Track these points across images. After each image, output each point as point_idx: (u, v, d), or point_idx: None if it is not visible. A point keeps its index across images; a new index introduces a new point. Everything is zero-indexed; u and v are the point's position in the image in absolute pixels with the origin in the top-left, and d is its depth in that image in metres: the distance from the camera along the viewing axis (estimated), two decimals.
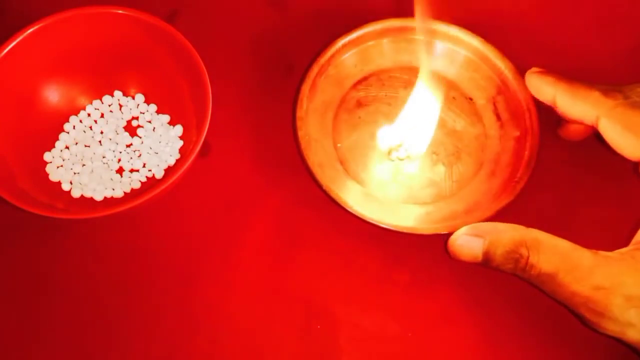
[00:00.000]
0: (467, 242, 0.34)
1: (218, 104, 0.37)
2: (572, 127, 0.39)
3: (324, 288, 0.38)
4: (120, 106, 0.41)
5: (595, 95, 0.34)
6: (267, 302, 0.37)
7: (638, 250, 0.33)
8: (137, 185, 0.39)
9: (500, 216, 0.36)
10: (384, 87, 0.42)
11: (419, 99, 0.38)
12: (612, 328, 0.31)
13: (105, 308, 0.37)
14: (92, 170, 0.39)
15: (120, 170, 0.40)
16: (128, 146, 0.40)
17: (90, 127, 0.41)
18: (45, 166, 0.39)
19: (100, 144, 0.40)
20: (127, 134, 0.40)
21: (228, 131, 0.41)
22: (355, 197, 0.38)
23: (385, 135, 0.39)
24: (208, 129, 0.36)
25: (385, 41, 0.42)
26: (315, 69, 0.40)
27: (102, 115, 0.41)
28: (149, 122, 0.41)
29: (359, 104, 0.41)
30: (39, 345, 0.36)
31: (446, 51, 0.41)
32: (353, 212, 0.36)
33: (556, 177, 0.41)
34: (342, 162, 0.39)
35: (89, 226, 0.39)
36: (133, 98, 0.41)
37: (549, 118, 0.39)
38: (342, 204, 0.36)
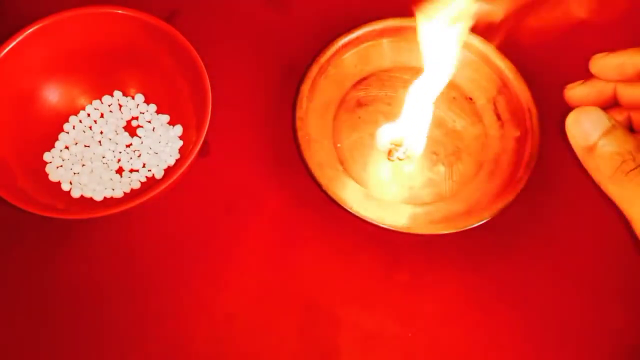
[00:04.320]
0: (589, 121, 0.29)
1: (218, 104, 0.36)
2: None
3: (324, 288, 0.38)
4: (120, 106, 0.41)
5: None
6: (267, 302, 0.37)
7: None
8: (137, 186, 0.39)
9: (500, 216, 0.36)
10: (384, 87, 0.42)
11: (416, 98, 0.37)
12: None
13: (105, 308, 0.37)
14: (92, 171, 0.39)
15: (120, 171, 0.40)
16: (128, 146, 0.40)
17: (90, 127, 0.41)
18: (45, 166, 0.39)
19: (100, 144, 0.40)
20: (126, 134, 0.40)
21: (228, 131, 0.41)
22: (355, 197, 0.38)
23: (385, 135, 0.39)
24: (208, 129, 0.36)
25: (385, 41, 0.42)
26: (315, 69, 0.40)
27: (102, 115, 0.41)
28: (149, 122, 0.41)
29: (359, 104, 0.41)
30: (38, 345, 0.36)
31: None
32: (353, 212, 0.36)
33: (556, 177, 0.41)
34: (342, 162, 0.39)
35: (89, 226, 0.39)
36: (133, 98, 0.41)
37: (549, 118, 0.39)
38: (342, 204, 0.36)
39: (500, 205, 0.37)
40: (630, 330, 0.37)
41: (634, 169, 0.27)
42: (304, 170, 0.37)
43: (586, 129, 0.29)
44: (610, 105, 0.35)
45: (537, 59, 0.43)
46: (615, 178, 0.28)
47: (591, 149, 0.29)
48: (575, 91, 0.35)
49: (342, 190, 0.37)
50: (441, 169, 0.40)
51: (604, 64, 0.34)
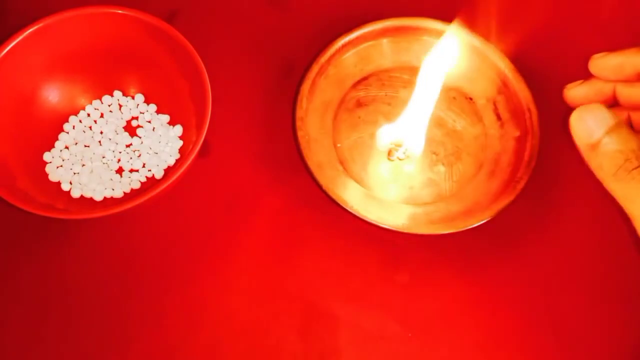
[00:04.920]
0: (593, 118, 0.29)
1: (218, 103, 0.37)
2: None
3: (324, 288, 0.38)
4: (120, 106, 0.41)
5: None
6: (267, 302, 0.37)
7: None
8: (137, 186, 0.39)
9: (500, 216, 0.36)
10: (384, 87, 0.42)
11: (418, 98, 0.37)
12: None
13: (105, 308, 0.37)
14: (92, 171, 0.39)
15: (120, 171, 0.40)
16: (128, 146, 0.40)
17: (90, 127, 0.41)
18: (44, 166, 0.39)
19: (100, 144, 0.40)
20: (126, 134, 0.40)
21: (228, 131, 0.41)
22: (355, 197, 0.38)
23: (385, 135, 0.39)
24: (208, 128, 0.36)
25: (385, 41, 0.42)
26: (315, 68, 0.40)
27: (102, 115, 0.41)
28: (149, 122, 0.41)
29: (359, 104, 0.41)
30: (38, 345, 0.36)
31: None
32: (353, 212, 0.36)
33: (556, 177, 0.41)
34: (342, 162, 0.39)
35: (88, 226, 0.39)
36: (133, 98, 0.41)
37: (549, 118, 0.39)
38: (342, 204, 0.36)
39: (500, 205, 0.37)
40: (631, 330, 0.37)
41: (636, 168, 0.28)
42: (304, 170, 0.37)
43: (590, 127, 0.29)
44: (609, 105, 0.35)
45: (537, 59, 0.43)
46: (618, 176, 0.28)
47: (594, 146, 0.29)
48: (574, 91, 0.35)
49: (342, 190, 0.37)
50: (441, 169, 0.40)
51: (602, 64, 0.34)
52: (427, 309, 0.37)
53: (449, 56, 0.36)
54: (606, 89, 0.34)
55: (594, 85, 0.35)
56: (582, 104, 0.35)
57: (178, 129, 0.40)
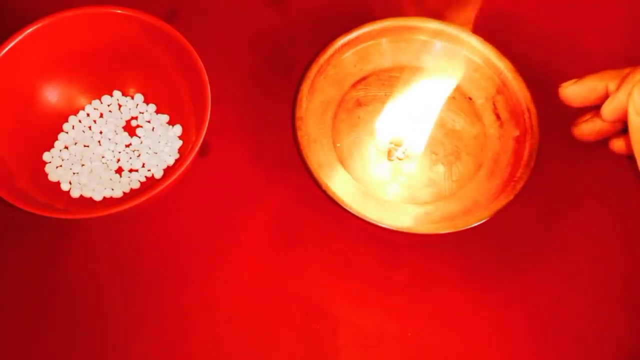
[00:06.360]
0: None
1: (217, 103, 0.37)
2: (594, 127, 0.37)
3: (324, 288, 0.38)
4: (120, 106, 0.41)
5: None
6: (267, 302, 0.37)
7: None
8: (137, 185, 0.39)
9: (500, 216, 0.36)
10: (384, 87, 0.42)
11: (419, 98, 0.38)
12: None
13: (104, 308, 0.37)
14: (92, 170, 0.39)
15: (119, 170, 0.40)
16: (127, 146, 0.40)
17: (90, 127, 0.41)
18: (44, 166, 0.39)
19: (100, 144, 0.40)
20: (126, 133, 0.40)
21: (227, 131, 0.41)
22: (354, 196, 0.38)
23: (384, 134, 0.39)
24: (207, 128, 0.36)
25: (384, 41, 0.42)
26: (314, 68, 0.40)
27: (102, 115, 0.41)
28: (148, 122, 0.41)
29: (358, 104, 0.41)
30: (38, 345, 0.36)
31: (446, 51, 0.41)
32: (353, 212, 0.36)
33: (556, 177, 0.41)
34: (341, 162, 0.39)
35: (88, 226, 0.39)
36: (132, 98, 0.41)
37: (548, 117, 0.39)
38: (342, 204, 0.36)
39: (499, 204, 0.37)
40: (630, 331, 0.37)
41: None
42: (304, 170, 0.37)
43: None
44: (603, 102, 0.35)
45: (536, 58, 0.43)
46: None
47: None
48: (569, 89, 0.36)
49: (341, 189, 0.37)
50: (440, 168, 0.40)
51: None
52: (426, 308, 0.38)
53: (462, 64, 0.36)
54: (599, 87, 0.35)
55: (587, 84, 0.35)
56: (577, 102, 0.36)
57: (177, 129, 0.40)
